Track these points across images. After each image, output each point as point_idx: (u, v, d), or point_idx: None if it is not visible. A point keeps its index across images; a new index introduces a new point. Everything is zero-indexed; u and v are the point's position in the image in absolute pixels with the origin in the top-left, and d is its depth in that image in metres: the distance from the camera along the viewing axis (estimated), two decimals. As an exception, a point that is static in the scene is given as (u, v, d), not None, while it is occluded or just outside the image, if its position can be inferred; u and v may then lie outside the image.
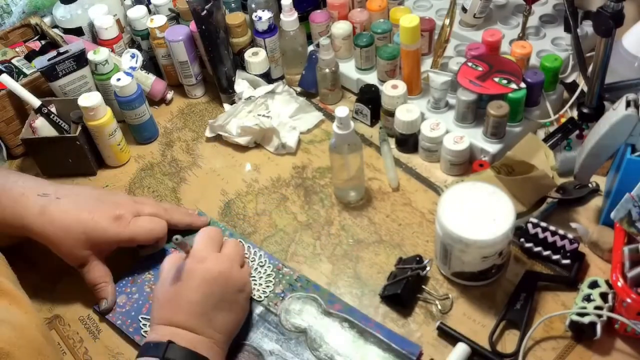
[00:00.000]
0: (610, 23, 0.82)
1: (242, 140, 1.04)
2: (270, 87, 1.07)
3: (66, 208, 0.80)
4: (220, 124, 1.04)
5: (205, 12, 1.00)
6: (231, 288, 0.74)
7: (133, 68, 1.08)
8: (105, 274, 0.83)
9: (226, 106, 1.11)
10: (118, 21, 1.17)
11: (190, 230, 0.90)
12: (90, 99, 0.96)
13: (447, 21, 1.00)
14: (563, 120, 0.96)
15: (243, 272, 0.77)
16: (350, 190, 0.93)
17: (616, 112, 0.74)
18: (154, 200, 0.94)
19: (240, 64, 1.12)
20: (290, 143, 1.03)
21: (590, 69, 0.90)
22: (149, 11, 1.17)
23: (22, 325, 0.66)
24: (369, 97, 1.03)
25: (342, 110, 0.82)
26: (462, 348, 0.74)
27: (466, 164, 0.95)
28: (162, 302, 0.72)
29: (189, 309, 0.70)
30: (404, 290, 0.79)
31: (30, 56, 1.11)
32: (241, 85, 1.09)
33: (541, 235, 0.82)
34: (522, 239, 0.83)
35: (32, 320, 0.69)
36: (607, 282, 0.76)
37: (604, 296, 0.74)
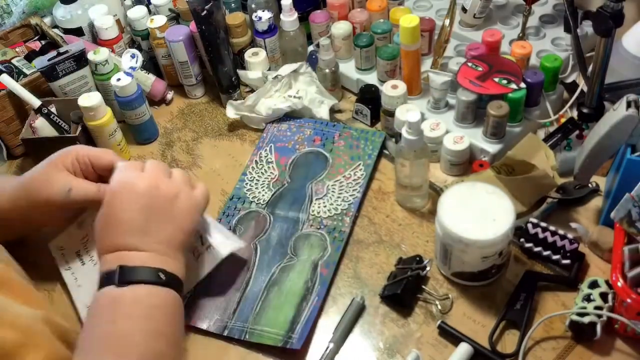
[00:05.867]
0: (610, 23, 0.82)
1: (269, 120, 1.05)
2: (295, 66, 1.07)
3: None
4: (250, 104, 1.05)
5: (205, 12, 1.00)
6: (162, 198, 0.73)
7: (133, 68, 1.08)
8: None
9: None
10: (118, 21, 1.17)
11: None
12: (90, 99, 0.96)
13: (447, 21, 1.00)
14: (563, 120, 0.96)
15: (172, 182, 0.75)
16: (414, 196, 0.91)
17: (617, 112, 0.74)
18: None
19: (240, 64, 1.12)
20: (324, 116, 1.04)
21: (590, 69, 0.90)
22: (149, 11, 1.17)
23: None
24: (369, 97, 1.03)
25: (413, 115, 0.77)
26: (464, 348, 0.74)
27: (466, 164, 0.95)
28: (100, 231, 0.72)
29: (125, 229, 0.70)
30: (404, 290, 0.79)
31: (30, 56, 1.11)
32: (253, 73, 1.09)
33: (541, 235, 0.82)
34: (522, 239, 0.83)
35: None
36: (607, 282, 0.76)
37: (604, 296, 0.74)
